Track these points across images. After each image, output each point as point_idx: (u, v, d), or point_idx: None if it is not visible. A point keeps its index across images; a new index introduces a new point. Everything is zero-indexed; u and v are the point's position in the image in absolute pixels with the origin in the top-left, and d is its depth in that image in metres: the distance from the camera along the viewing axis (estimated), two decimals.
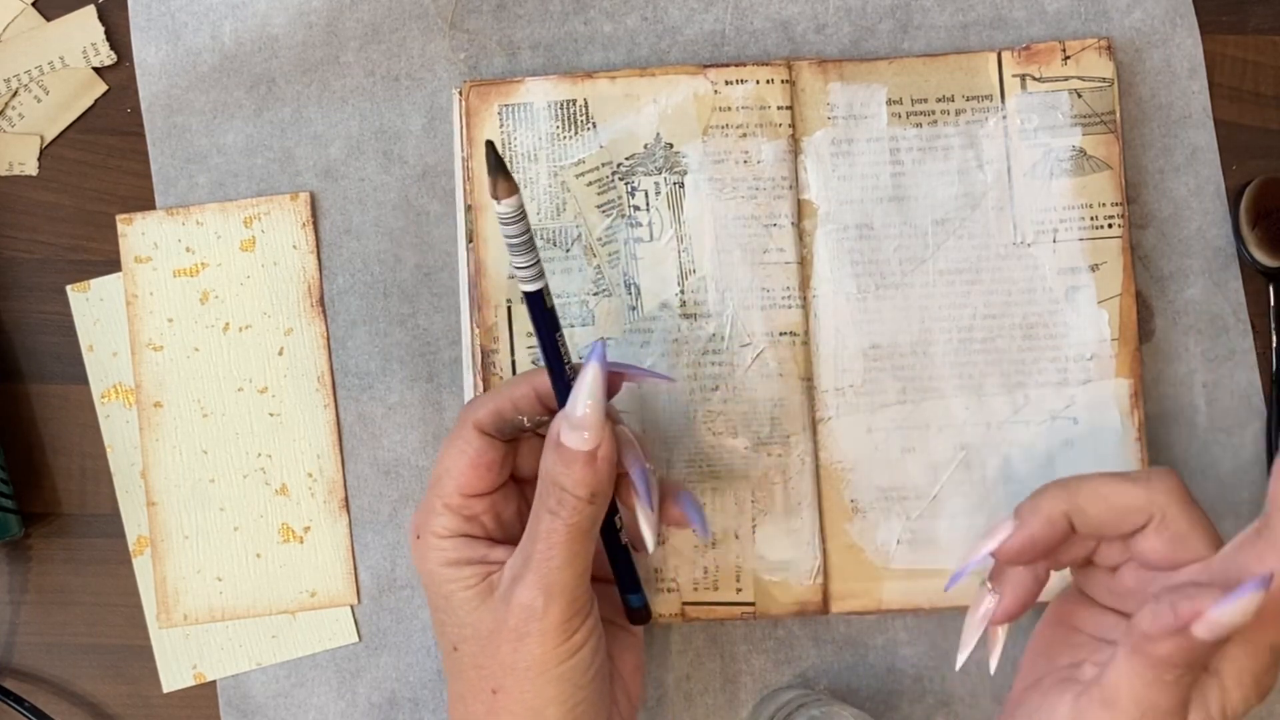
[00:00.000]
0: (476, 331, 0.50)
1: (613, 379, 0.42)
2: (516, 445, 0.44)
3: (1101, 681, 0.38)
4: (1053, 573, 0.43)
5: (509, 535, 0.43)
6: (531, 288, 0.40)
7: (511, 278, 0.50)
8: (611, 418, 0.42)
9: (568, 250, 0.50)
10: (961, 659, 0.43)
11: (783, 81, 0.50)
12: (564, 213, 0.50)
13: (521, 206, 0.39)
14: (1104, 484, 0.40)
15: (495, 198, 0.38)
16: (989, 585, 0.43)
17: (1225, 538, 0.51)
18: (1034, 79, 0.51)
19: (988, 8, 0.52)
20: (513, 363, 0.50)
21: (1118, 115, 0.51)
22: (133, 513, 0.51)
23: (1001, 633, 0.43)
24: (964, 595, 0.50)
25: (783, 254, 0.50)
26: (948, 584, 0.43)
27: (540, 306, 0.41)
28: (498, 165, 0.38)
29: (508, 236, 0.39)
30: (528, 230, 0.39)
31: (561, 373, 0.41)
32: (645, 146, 0.50)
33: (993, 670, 0.43)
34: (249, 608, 0.51)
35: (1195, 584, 0.37)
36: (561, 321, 0.50)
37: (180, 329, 0.52)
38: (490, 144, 0.39)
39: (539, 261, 0.40)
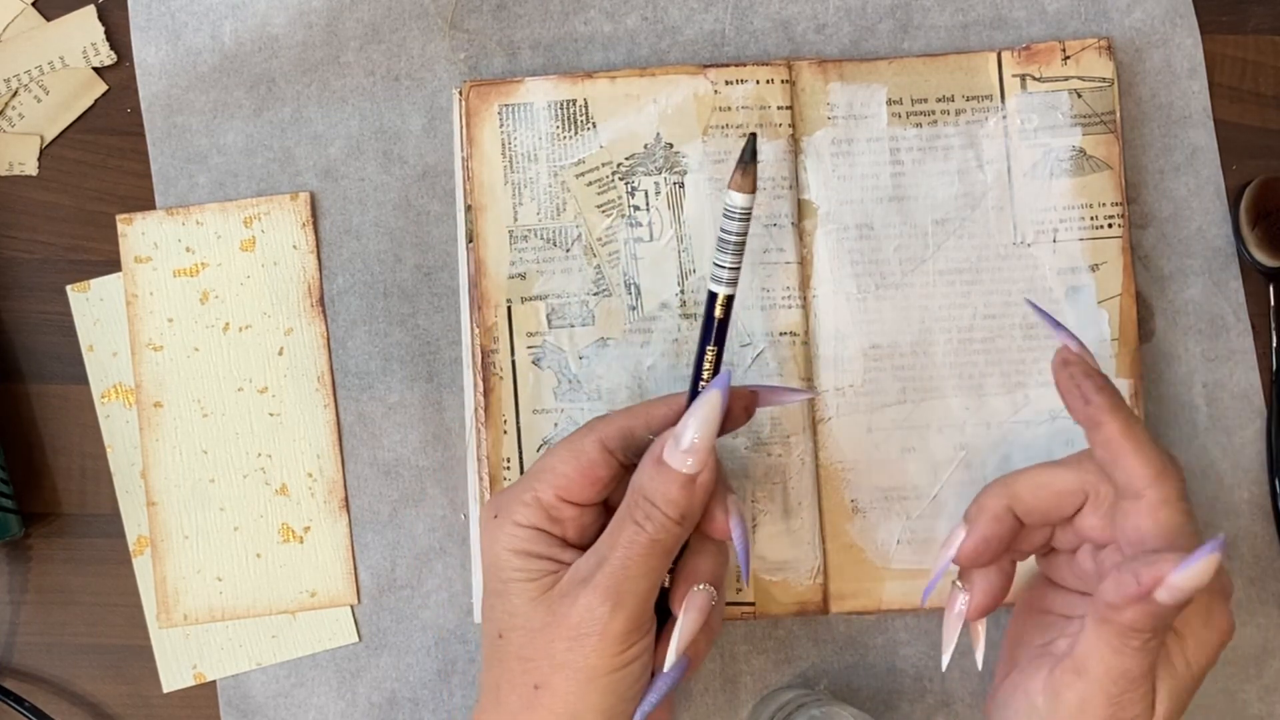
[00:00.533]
0: (476, 331, 0.50)
1: (748, 404, 0.42)
2: (626, 474, 0.43)
3: (1073, 653, 0.39)
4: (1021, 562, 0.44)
5: (584, 546, 0.43)
6: (726, 291, 0.40)
7: (514, 275, 0.50)
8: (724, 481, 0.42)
9: (568, 250, 0.50)
10: (946, 658, 0.44)
11: (783, 81, 0.50)
12: (564, 213, 0.50)
13: (752, 206, 0.39)
14: (1038, 473, 0.42)
15: (737, 189, 0.38)
16: (959, 584, 0.43)
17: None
18: (1034, 79, 0.51)
19: (988, 8, 0.52)
20: (513, 363, 0.50)
21: (1118, 115, 0.51)
22: (133, 513, 0.51)
23: (981, 628, 0.44)
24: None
25: (783, 254, 0.50)
26: (923, 597, 0.45)
27: (712, 310, 0.40)
28: (754, 158, 0.38)
29: (726, 231, 0.39)
30: (747, 231, 0.39)
31: (696, 386, 0.41)
32: (645, 146, 0.50)
33: (979, 664, 0.44)
34: (249, 608, 0.51)
35: (1156, 552, 0.38)
36: (561, 322, 0.50)
37: (180, 329, 0.52)
38: (753, 135, 0.39)
39: (739, 267, 0.40)
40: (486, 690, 0.43)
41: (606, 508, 0.44)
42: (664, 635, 0.42)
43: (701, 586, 0.42)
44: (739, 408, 0.42)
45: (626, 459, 0.42)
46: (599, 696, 0.40)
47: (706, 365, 0.41)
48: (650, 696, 0.41)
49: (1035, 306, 0.43)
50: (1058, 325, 0.42)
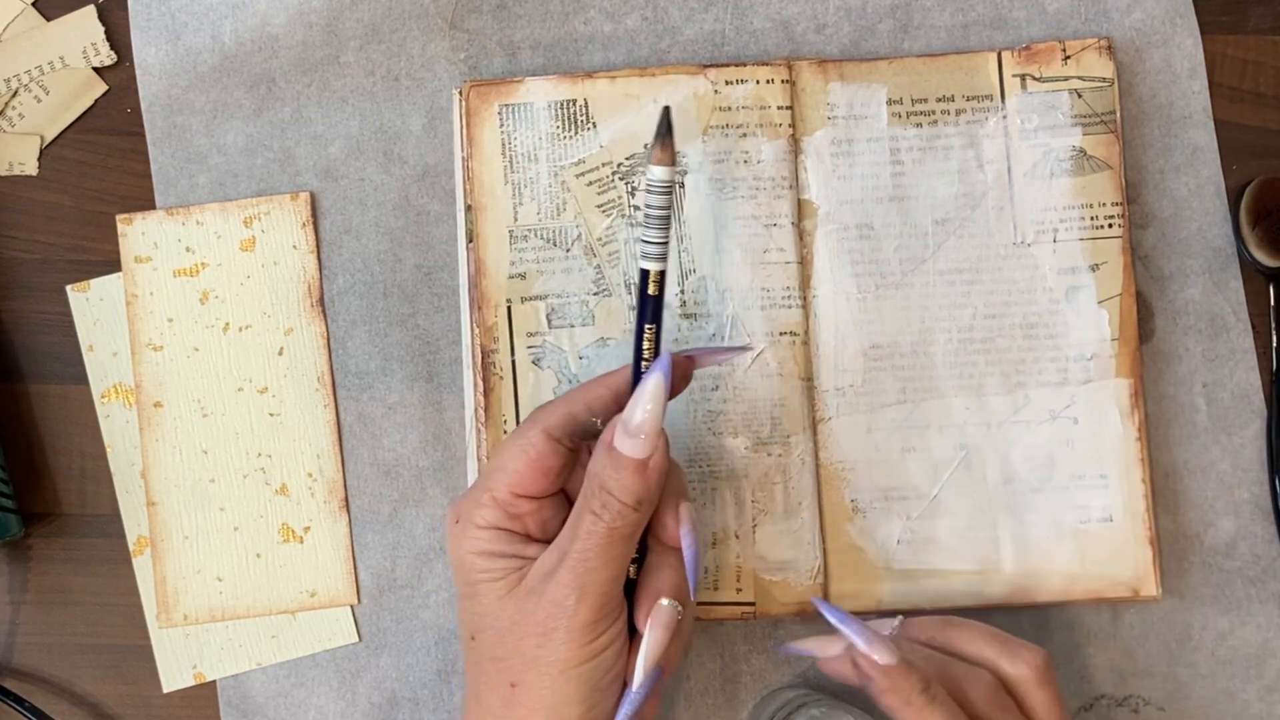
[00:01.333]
0: (476, 331, 0.50)
1: (686, 369, 0.42)
2: (577, 458, 0.44)
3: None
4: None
5: (547, 538, 0.43)
6: (656, 266, 0.40)
7: (514, 275, 0.50)
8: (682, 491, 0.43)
9: (568, 250, 0.50)
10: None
11: (783, 81, 0.50)
12: (564, 213, 0.50)
13: (674, 180, 0.39)
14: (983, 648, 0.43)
15: (658, 163, 0.38)
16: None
17: (1224, 536, 0.51)
18: (1034, 79, 0.51)
19: (988, 8, 0.52)
20: (513, 362, 0.50)
21: (1118, 115, 0.51)
22: (133, 513, 0.51)
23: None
24: (964, 594, 0.50)
25: (783, 254, 0.50)
26: (782, 649, 0.45)
27: (646, 287, 0.40)
28: (670, 130, 0.38)
29: (650, 206, 0.39)
30: (670, 205, 0.39)
31: (638, 366, 0.41)
32: (645, 146, 0.50)
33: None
34: (249, 608, 0.51)
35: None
36: (561, 321, 0.50)
37: (180, 329, 0.52)
38: (667, 109, 0.39)
39: (667, 241, 0.40)
40: (469, 694, 0.43)
41: (566, 498, 0.44)
42: (634, 645, 0.42)
43: (666, 602, 0.42)
44: (678, 376, 0.42)
45: (574, 444, 0.43)
46: (574, 688, 0.40)
47: (646, 343, 0.41)
48: (622, 712, 0.41)
49: (822, 608, 0.43)
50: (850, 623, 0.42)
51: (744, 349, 0.44)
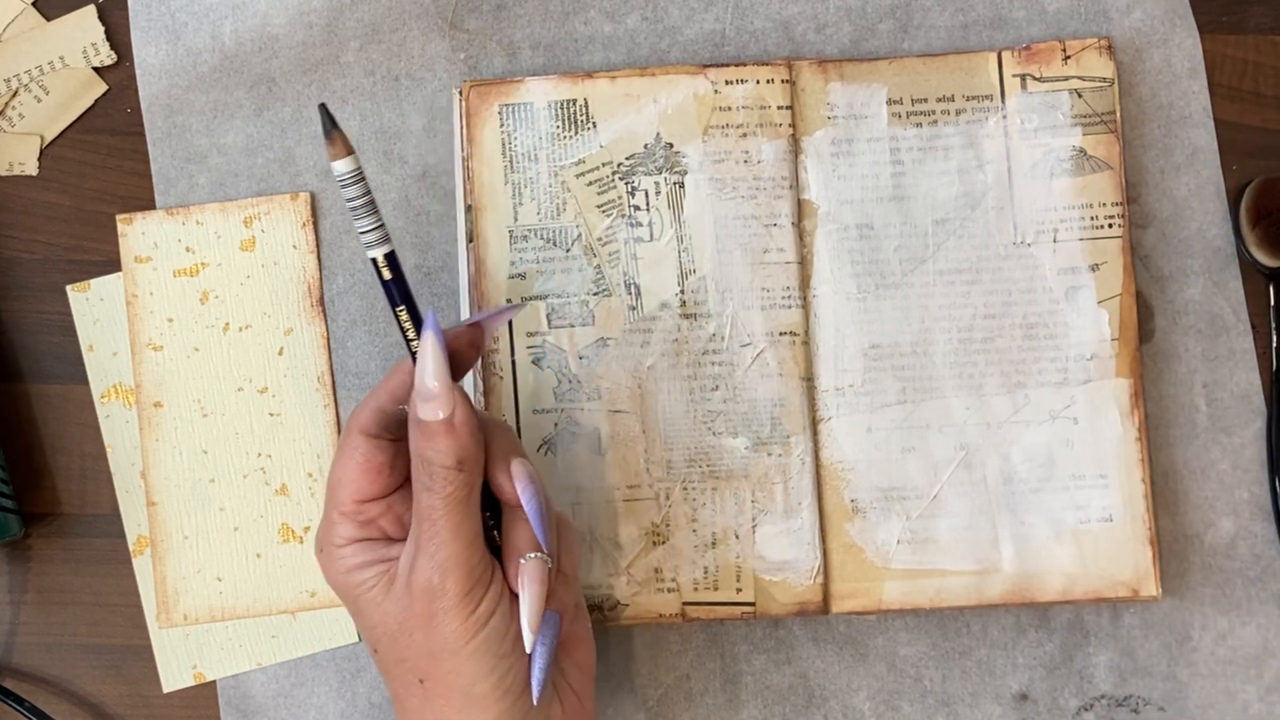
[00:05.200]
0: None
1: (472, 338, 0.42)
2: (404, 451, 0.43)
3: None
4: None
5: (407, 535, 0.43)
6: (378, 252, 0.41)
7: (514, 275, 0.50)
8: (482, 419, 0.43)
9: (568, 250, 0.50)
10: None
11: (783, 81, 0.50)
12: (564, 213, 0.50)
13: (359, 167, 0.39)
14: None
15: (334, 158, 0.39)
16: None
17: (1224, 536, 0.51)
18: (1034, 79, 0.51)
19: (988, 8, 0.52)
20: (513, 362, 0.50)
21: (1118, 115, 0.51)
22: (133, 513, 0.51)
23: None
24: (964, 594, 0.50)
25: (783, 254, 0.50)
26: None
27: (382, 274, 0.41)
28: (333, 124, 0.39)
29: (348, 199, 0.40)
30: (368, 190, 0.40)
31: (410, 347, 0.41)
32: (645, 146, 0.50)
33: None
34: (249, 608, 0.51)
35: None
36: (561, 321, 0.50)
37: (180, 329, 0.52)
38: (323, 105, 0.39)
39: (383, 224, 0.40)
40: (395, 706, 0.43)
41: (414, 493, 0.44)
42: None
43: (529, 557, 0.42)
44: (464, 345, 0.42)
45: (395, 435, 0.43)
46: (475, 663, 0.40)
47: (406, 325, 0.41)
48: (534, 676, 0.41)
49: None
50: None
51: (517, 307, 0.44)
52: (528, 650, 0.41)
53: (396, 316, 0.41)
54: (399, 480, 0.43)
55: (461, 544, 0.40)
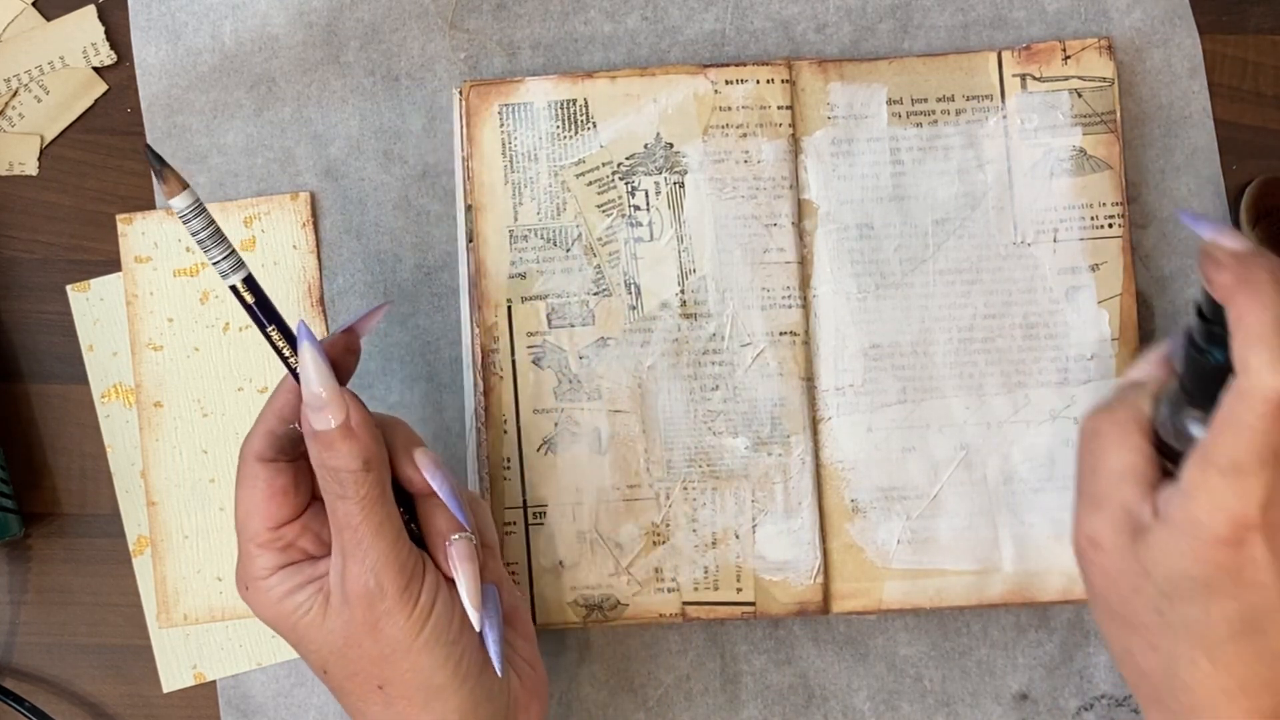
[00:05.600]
0: (476, 331, 0.50)
1: (349, 343, 0.42)
2: (304, 469, 0.43)
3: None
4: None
5: (329, 550, 0.42)
6: (233, 280, 0.41)
7: (514, 275, 0.50)
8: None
9: (568, 250, 0.50)
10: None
11: (783, 81, 0.50)
12: (564, 213, 0.50)
13: (197, 200, 0.40)
14: None
15: (170, 195, 0.39)
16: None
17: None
18: (1034, 79, 0.51)
19: (988, 8, 0.52)
20: (513, 362, 0.50)
21: (1118, 115, 0.51)
22: (133, 513, 0.51)
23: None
24: (964, 594, 0.50)
25: (783, 254, 0.50)
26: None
27: (244, 299, 0.41)
28: (161, 163, 0.39)
29: (193, 234, 0.40)
30: (211, 222, 0.40)
31: (288, 363, 0.42)
32: (645, 146, 0.50)
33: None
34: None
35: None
36: (561, 321, 0.50)
37: (180, 329, 0.52)
38: (148, 146, 0.40)
39: (233, 251, 0.41)
40: None
41: (324, 505, 0.43)
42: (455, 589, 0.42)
43: (454, 538, 0.42)
44: (341, 351, 0.42)
45: (291, 456, 0.42)
46: (429, 655, 0.40)
47: (280, 344, 0.41)
48: (491, 650, 0.41)
49: (1188, 217, 0.40)
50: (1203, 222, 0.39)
51: (386, 304, 0.44)
52: (476, 628, 0.41)
53: (268, 337, 0.41)
54: (306, 499, 0.43)
55: (387, 542, 0.40)
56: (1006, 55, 0.51)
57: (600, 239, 0.50)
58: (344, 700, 0.42)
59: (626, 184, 0.50)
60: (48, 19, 0.53)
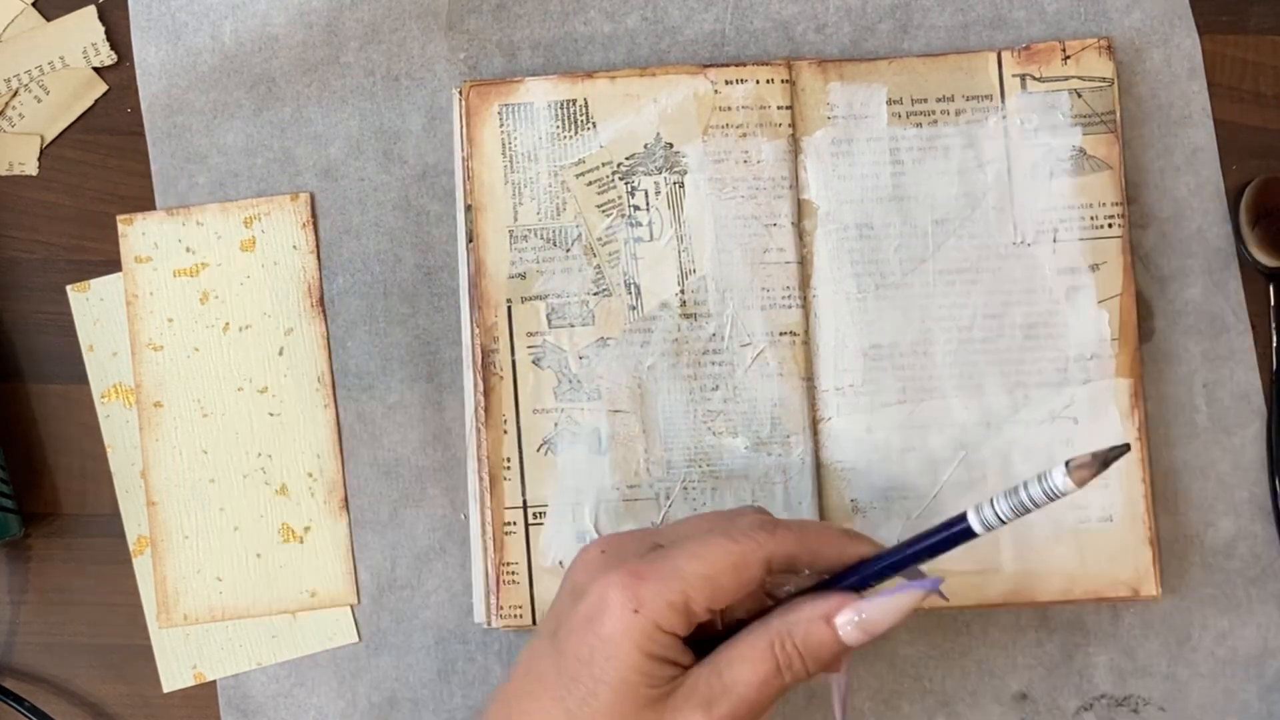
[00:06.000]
0: (476, 331, 0.50)
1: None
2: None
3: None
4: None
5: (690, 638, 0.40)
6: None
7: (514, 275, 0.50)
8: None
9: (568, 250, 0.50)
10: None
11: (783, 81, 0.50)
12: (564, 213, 0.50)
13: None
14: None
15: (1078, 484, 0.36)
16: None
17: (1224, 536, 0.51)
18: (1034, 79, 0.51)
19: (988, 8, 0.52)
20: (513, 362, 0.50)
21: (1118, 115, 0.51)
22: (133, 513, 0.51)
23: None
24: (964, 594, 0.50)
25: (783, 254, 0.50)
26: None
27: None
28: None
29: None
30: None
31: (893, 567, 0.40)
32: (645, 146, 0.50)
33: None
34: (249, 608, 0.51)
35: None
36: (561, 321, 0.50)
37: (180, 329, 0.52)
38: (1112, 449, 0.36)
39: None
40: (514, 701, 0.40)
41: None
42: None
43: (836, 679, 0.41)
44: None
45: (766, 586, 0.41)
46: None
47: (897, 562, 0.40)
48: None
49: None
50: None
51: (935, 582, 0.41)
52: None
53: (912, 550, 0.40)
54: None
55: (757, 715, 0.39)
56: (1006, 55, 0.51)
57: (600, 239, 0.50)
58: (528, 703, 0.40)
59: (626, 184, 0.50)
60: (48, 19, 0.53)
